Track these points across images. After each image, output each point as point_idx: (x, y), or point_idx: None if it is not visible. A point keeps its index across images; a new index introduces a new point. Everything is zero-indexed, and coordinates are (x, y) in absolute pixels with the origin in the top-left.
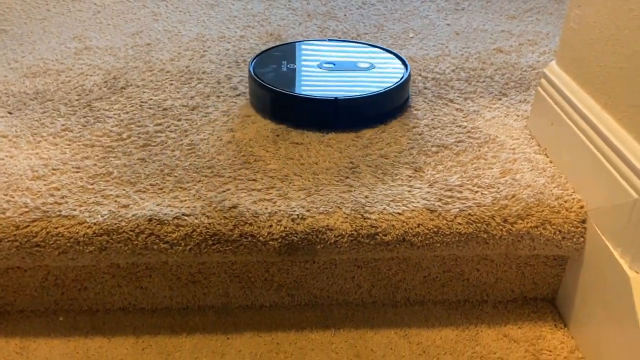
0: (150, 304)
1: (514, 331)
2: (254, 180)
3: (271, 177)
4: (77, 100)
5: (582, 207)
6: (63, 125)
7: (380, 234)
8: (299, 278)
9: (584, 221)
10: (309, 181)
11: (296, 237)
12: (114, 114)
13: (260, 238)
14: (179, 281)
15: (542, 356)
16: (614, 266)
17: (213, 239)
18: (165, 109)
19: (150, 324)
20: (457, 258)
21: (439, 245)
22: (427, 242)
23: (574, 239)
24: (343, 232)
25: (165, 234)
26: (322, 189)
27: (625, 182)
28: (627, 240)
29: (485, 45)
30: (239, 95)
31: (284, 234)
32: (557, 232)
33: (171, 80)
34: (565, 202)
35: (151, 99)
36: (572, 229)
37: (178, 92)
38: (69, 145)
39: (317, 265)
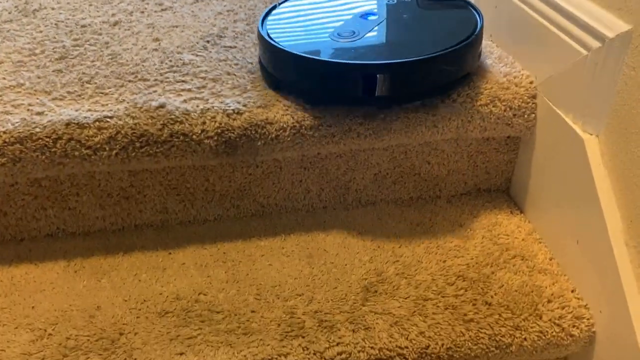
0: (82, 227)
1: (469, 220)
2: (183, 81)
3: (202, 77)
4: None
5: (531, 82)
6: None
7: (325, 124)
8: (243, 185)
9: (534, 96)
10: (244, 79)
11: (233, 133)
12: (26, 34)
13: (194, 137)
14: (110, 198)
15: (500, 240)
16: (568, 133)
17: (141, 140)
18: (84, 26)
19: (82, 247)
20: (407, 150)
21: (386, 132)
22: (373, 129)
23: (525, 116)
24: (284, 125)
25: (86, 138)
26: (259, 85)
27: (573, 42)
28: (580, 102)
29: None
30: (165, 9)
31: (219, 131)
32: (508, 109)
33: (91, 2)
34: (515, 77)
35: (68, 18)
36: (523, 104)
37: (98, 12)
38: None
39: (261, 169)
